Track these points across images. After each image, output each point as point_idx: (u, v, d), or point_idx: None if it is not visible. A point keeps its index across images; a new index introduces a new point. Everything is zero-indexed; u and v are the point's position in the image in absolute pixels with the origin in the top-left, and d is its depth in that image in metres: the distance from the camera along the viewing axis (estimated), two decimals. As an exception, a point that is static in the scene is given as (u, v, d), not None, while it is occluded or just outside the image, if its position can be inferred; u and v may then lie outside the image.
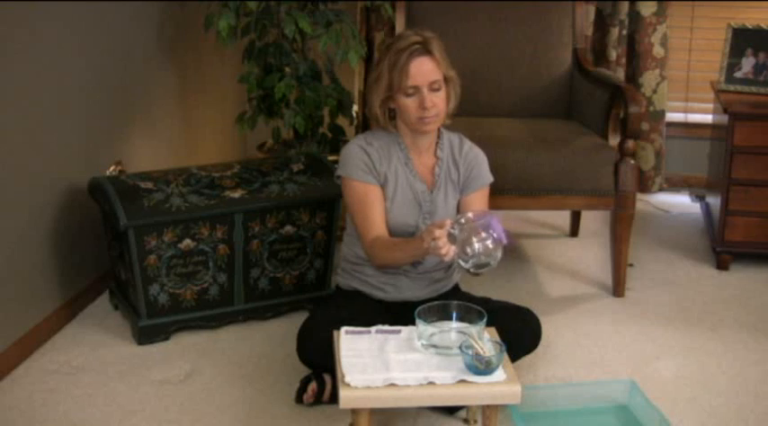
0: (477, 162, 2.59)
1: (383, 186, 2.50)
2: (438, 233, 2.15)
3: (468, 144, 2.60)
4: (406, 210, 2.51)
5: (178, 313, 2.83)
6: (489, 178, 2.60)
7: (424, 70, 2.40)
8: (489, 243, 2.13)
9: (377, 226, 2.47)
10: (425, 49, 2.41)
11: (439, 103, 2.44)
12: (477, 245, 2.13)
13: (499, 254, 2.16)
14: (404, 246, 2.40)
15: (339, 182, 2.56)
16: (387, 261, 2.46)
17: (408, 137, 2.52)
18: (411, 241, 2.38)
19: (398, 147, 2.52)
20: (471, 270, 2.16)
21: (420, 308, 2.20)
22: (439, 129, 2.55)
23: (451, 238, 2.14)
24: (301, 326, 2.45)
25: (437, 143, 2.56)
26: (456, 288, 2.67)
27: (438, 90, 2.43)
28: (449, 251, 2.15)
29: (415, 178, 2.52)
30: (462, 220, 2.18)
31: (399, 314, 2.44)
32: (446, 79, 2.45)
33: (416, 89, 2.41)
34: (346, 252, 2.63)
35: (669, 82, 4.24)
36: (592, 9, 4.08)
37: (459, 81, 2.50)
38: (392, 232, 2.50)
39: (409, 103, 2.43)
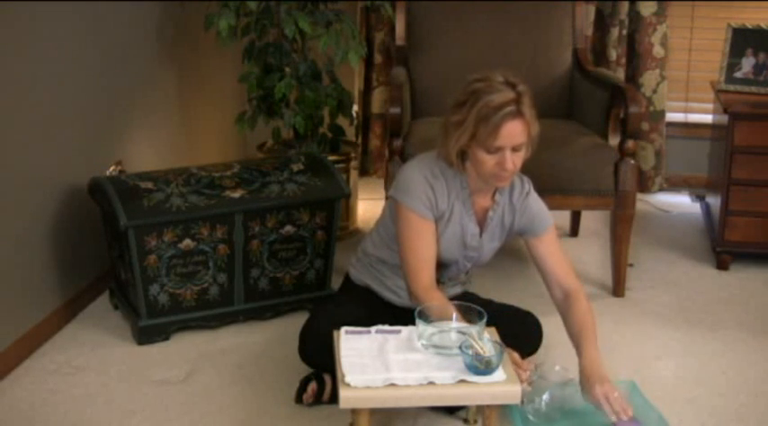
0: (539, 205, 2.51)
1: (437, 221, 2.42)
2: (524, 376, 2.16)
3: (527, 187, 2.51)
4: (452, 247, 2.46)
5: (178, 313, 2.83)
6: (551, 219, 2.53)
7: (513, 133, 2.27)
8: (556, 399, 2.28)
9: (428, 266, 2.38)
10: (519, 111, 2.26)
11: (518, 163, 2.34)
12: (545, 400, 2.27)
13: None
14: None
15: (390, 200, 2.47)
16: (435, 316, 2.30)
17: (474, 180, 2.42)
18: None
19: (460, 185, 2.43)
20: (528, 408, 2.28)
21: (420, 308, 2.20)
22: None
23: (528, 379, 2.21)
24: (303, 326, 2.45)
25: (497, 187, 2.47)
26: (463, 292, 2.66)
27: (520, 151, 2.33)
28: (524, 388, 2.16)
29: (470, 219, 2.46)
30: (546, 366, 2.35)
31: (400, 315, 2.44)
32: (529, 136, 2.35)
33: (500, 149, 2.30)
34: (371, 252, 2.59)
35: (669, 82, 4.24)
36: (592, 9, 4.08)
37: (538, 130, 2.37)
38: None
39: (488, 160, 2.31)
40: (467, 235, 2.46)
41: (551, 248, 2.50)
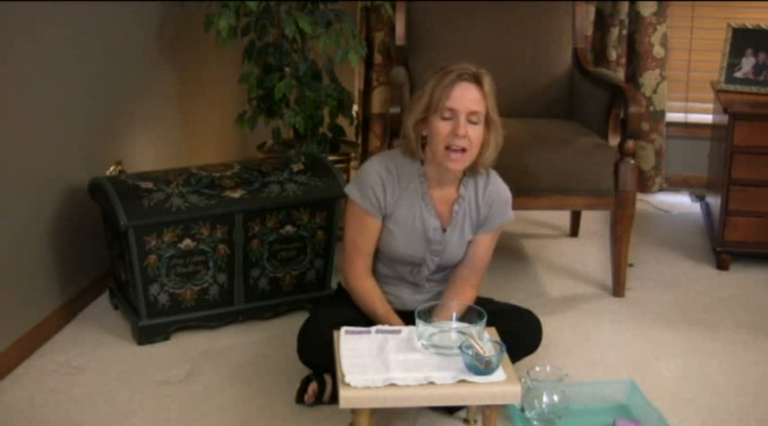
0: (500, 202, 2.47)
1: (389, 216, 2.43)
2: None
3: (494, 183, 2.47)
4: (414, 244, 2.45)
5: (178, 313, 2.83)
6: (507, 218, 2.50)
7: (466, 96, 2.29)
8: (556, 399, 2.29)
9: (364, 257, 2.47)
10: (475, 79, 2.31)
11: (473, 138, 2.31)
12: (545, 403, 2.29)
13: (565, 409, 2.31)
14: (380, 314, 2.40)
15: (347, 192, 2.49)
16: (358, 302, 2.47)
17: (432, 169, 2.40)
18: (390, 317, 2.40)
19: (418, 179, 2.42)
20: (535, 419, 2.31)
21: (420, 308, 2.20)
22: None
23: (523, 387, 2.21)
24: (302, 326, 2.45)
25: (461, 178, 2.45)
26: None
27: (476, 124, 2.31)
28: None
29: (429, 213, 2.43)
30: (537, 369, 2.34)
31: (400, 315, 2.44)
32: (488, 119, 2.34)
33: (454, 113, 2.29)
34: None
35: (669, 82, 4.24)
36: (592, 9, 4.08)
37: (503, 131, 2.38)
38: (396, 259, 2.48)
39: (442, 127, 2.30)
40: (428, 230, 2.44)
41: (489, 242, 2.52)
